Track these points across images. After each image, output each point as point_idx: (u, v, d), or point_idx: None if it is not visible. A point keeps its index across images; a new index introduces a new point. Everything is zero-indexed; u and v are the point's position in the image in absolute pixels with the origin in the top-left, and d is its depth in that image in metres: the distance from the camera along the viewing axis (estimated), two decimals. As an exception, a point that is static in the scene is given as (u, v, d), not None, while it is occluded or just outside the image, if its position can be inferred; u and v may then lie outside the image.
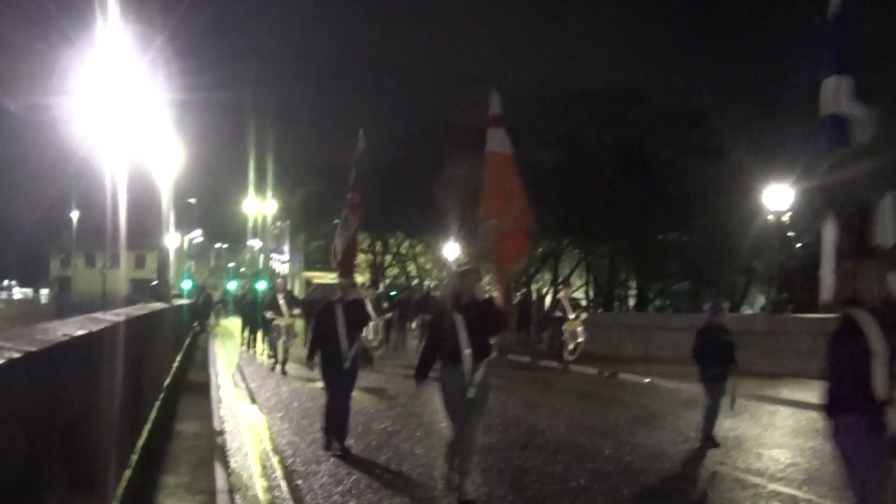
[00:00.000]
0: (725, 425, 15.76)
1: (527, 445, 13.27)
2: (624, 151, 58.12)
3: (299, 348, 23.08)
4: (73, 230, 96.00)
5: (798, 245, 49.47)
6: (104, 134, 19.91)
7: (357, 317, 13.25)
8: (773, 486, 10.84)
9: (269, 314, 25.71)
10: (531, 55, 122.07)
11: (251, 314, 32.48)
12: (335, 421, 12.65)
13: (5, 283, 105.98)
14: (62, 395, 4.83)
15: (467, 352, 9.70)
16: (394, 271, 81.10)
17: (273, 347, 26.04)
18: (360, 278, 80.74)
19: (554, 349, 29.02)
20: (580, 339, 26.95)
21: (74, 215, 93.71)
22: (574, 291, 61.70)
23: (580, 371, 25.80)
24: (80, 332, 5.30)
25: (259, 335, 32.01)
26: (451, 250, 54.19)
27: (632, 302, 66.58)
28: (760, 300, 63.90)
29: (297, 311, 26.47)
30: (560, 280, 62.76)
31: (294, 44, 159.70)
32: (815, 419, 16.68)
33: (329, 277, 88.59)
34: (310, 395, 18.96)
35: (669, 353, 28.14)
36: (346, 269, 16.26)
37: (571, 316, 27.24)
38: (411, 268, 76.21)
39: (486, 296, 11.48)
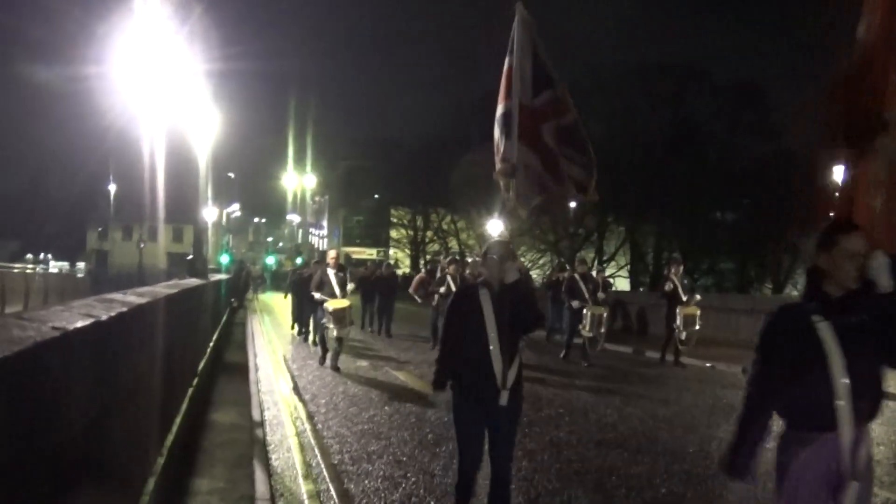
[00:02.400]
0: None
1: (601, 442, 11.94)
2: (676, 128, 57.31)
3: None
4: (110, 203, 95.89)
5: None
6: (142, 105, 19.14)
7: (521, 313, 7.24)
8: (884, 494, 9.50)
9: (317, 296, 20.08)
10: (586, 29, 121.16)
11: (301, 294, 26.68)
12: (491, 491, 7.43)
13: (41, 256, 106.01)
14: (51, 410, 3.54)
15: (844, 407, 4.78)
16: (434, 247, 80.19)
17: (322, 338, 20.68)
18: (400, 254, 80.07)
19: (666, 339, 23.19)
20: (697, 327, 22.06)
21: (112, 188, 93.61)
22: (620, 270, 60.32)
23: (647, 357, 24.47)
24: (79, 324, 3.99)
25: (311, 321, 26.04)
26: (495, 226, 53.14)
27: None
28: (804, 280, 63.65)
29: (351, 286, 20.59)
30: (606, 258, 61.67)
31: (337, 14, 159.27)
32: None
33: (367, 253, 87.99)
34: (356, 378, 17.83)
35: (728, 336, 26.93)
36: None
37: (685, 298, 22.04)
38: (453, 244, 75.17)
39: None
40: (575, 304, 22.23)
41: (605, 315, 22.52)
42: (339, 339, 19.41)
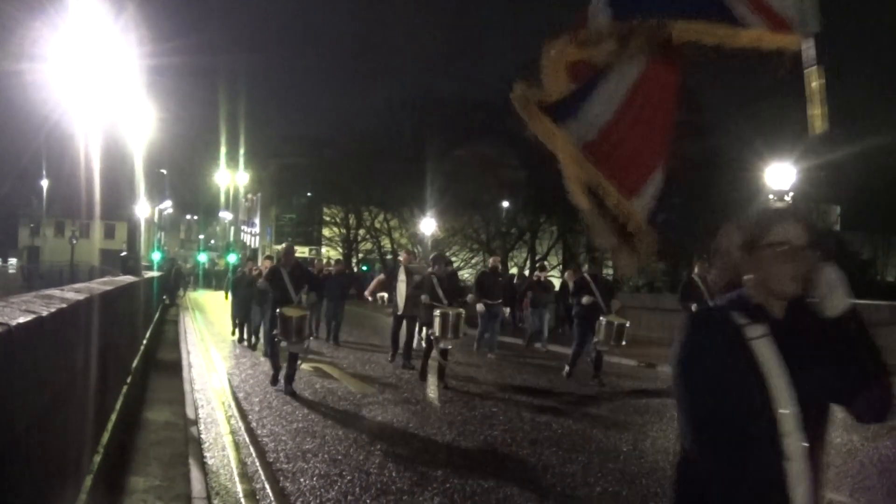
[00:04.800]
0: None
1: (536, 440, 12.02)
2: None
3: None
4: (43, 199, 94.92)
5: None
6: (76, 100, 18.96)
7: (856, 386, 3.19)
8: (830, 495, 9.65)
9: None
10: (515, 28, 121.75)
11: (246, 299, 24.31)
12: None
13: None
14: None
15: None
16: (367, 246, 79.97)
17: (273, 353, 17.08)
18: (332, 252, 79.80)
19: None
20: None
21: (44, 184, 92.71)
22: (552, 270, 60.77)
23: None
24: (21, 320, 3.97)
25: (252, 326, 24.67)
26: (427, 225, 53.19)
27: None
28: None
29: (312, 298, 17.14)
30: (538, 258, 61.80)
31: (270, 10, 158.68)
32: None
33: (299, 251, 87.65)
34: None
35: (661, 335, 27.19)
36: None
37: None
38: (385, 242, 75.03)
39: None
40: (585, 299, 18.89)
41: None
42: (295, 356, 15.95)
